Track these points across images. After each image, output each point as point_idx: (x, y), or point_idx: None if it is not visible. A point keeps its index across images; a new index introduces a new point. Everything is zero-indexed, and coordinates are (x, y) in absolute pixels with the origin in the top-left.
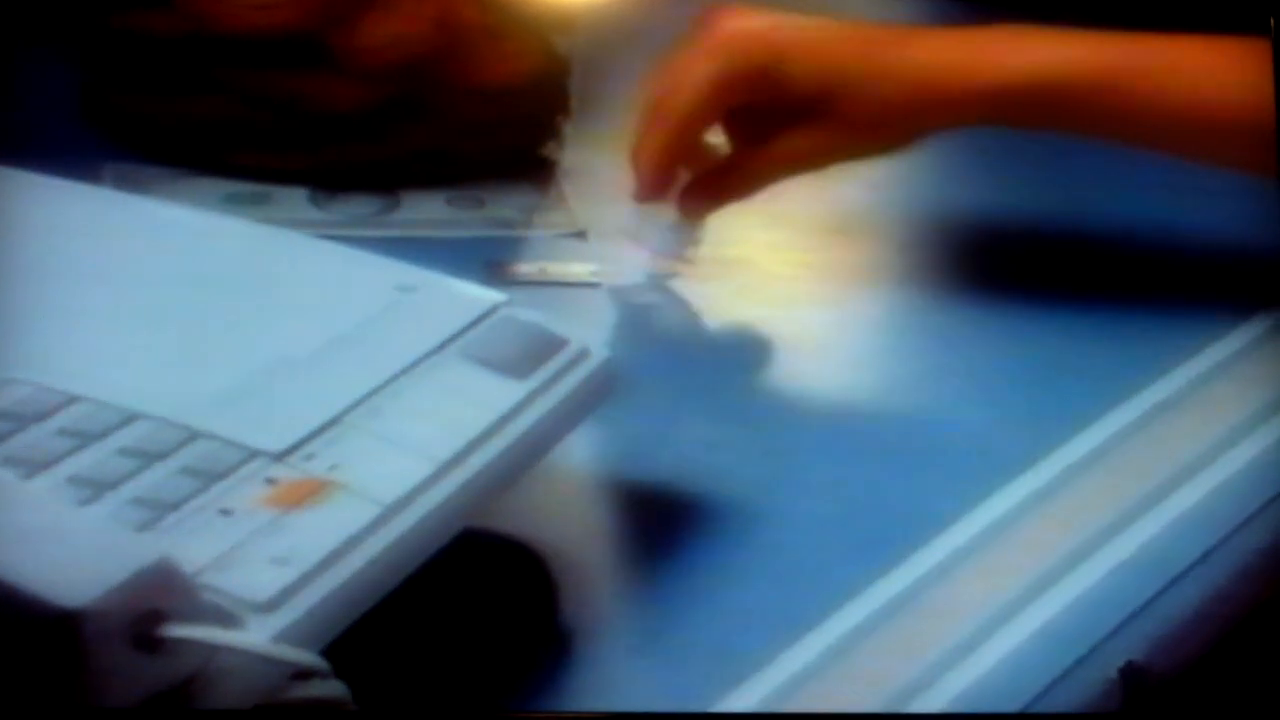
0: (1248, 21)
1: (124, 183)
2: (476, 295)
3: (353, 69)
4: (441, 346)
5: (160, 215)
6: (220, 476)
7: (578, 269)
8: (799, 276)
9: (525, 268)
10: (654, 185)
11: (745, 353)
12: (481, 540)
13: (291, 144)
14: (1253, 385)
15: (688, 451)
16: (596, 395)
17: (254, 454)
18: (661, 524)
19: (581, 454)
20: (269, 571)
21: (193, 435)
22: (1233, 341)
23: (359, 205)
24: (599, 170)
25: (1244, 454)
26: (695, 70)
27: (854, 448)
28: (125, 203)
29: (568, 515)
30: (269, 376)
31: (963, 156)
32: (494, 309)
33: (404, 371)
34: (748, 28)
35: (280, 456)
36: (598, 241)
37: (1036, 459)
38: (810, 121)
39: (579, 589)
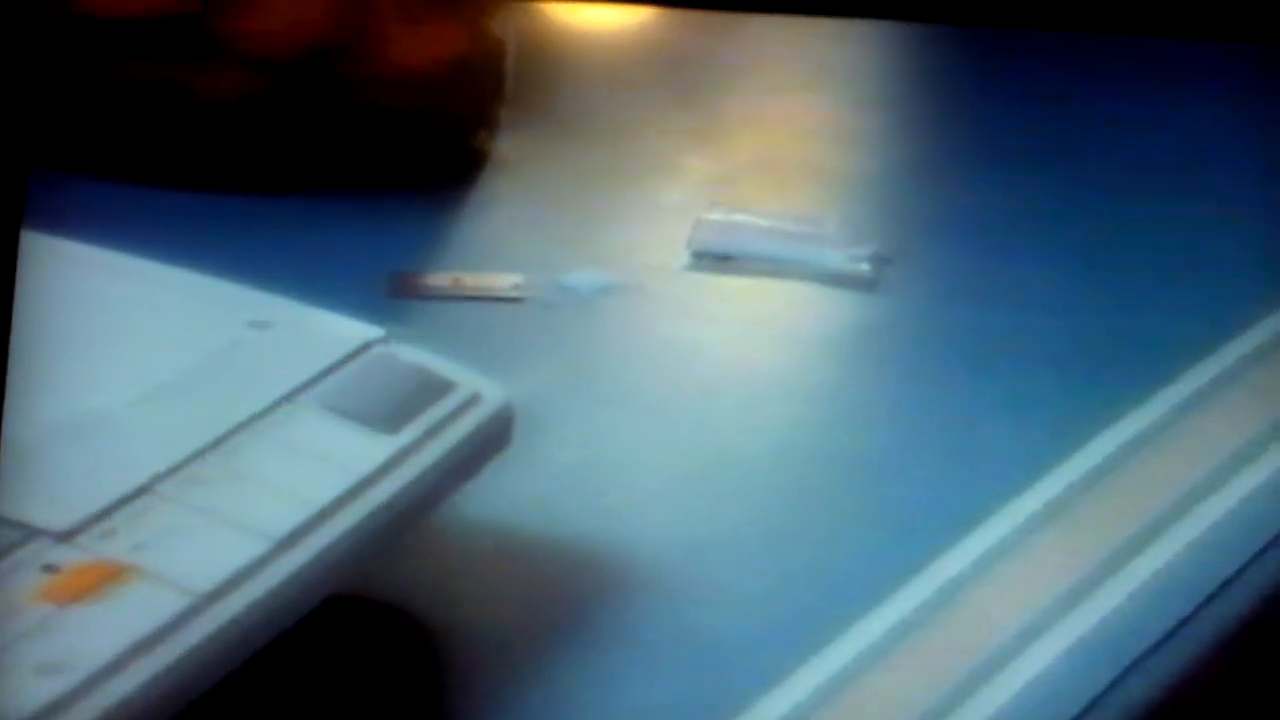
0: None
1: None
2: (344, 332)
3: (239, 56)
4: (293, 395)
5: None
6: None
7: (498, 281)
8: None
9: (436, 279)
10: None
11: (677, 385)
12: (355, 611)
13: (173, 137)
14: (1229, 421)
15: (600, 511)
16: (488, 448)
17: (31, 534)
18: (567, 597)
19: (474, 512)
20: (33, 682)
21: None
22: (1197, 378)
23: None
24: (537, 163)
25: (1220, 506)
26: None
27: (790, 503)
28: None
29: (457, 586)
30: (68, 436)
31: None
32: (364, 347)
33: (241, 426)
34: None
35: (66, 536)
36: (527, 247)
37: (988, 513)
38: None
39: (469, 672)
